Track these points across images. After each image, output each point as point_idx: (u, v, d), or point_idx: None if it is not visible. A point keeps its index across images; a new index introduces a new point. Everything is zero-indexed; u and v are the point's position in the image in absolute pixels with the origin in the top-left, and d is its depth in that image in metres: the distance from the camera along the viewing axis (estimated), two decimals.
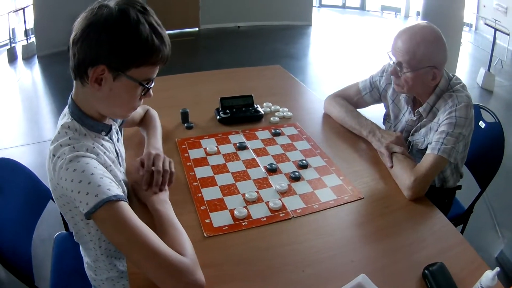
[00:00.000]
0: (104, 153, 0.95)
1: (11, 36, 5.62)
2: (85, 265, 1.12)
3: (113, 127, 1.04)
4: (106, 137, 1.00)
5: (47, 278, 1.28)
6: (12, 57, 5.28)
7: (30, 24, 5.58)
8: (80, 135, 0.92)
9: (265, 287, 0.86)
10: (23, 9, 5.54)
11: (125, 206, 0.83)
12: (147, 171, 1.08)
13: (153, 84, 0.94)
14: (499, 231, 2.27)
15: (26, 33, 5.63)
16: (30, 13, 5.48)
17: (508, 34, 5.05)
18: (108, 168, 0.92)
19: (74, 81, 0.92)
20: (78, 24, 0.85)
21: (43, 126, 3.61)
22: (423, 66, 1.23)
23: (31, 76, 4.90)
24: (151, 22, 0.86)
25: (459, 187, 1.51)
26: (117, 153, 1.06)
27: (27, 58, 5.29)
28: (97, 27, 0.82)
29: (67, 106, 0.96)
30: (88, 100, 0.92)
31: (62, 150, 0.86)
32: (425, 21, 1.28)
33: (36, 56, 5.33)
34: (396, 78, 1.30)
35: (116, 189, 0.84)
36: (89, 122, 0.94)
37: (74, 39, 0.85)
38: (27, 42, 5.52)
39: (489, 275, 0.79)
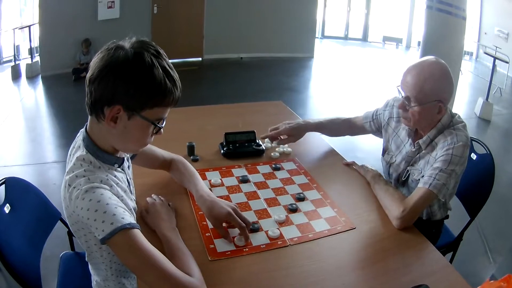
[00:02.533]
0: (117, 184, 1.00)
1: (16, 53, 5.58)
2: (94, 283, 1.17)
3: (125, 157, 1.10)
4: (119, 169, 1.05)
5: None
6: (16, 75, 5.25)
7: (35, 43, 5.53)
8: (95, 167, 0.96)
9: None
10: (29, 27, 5.50)
11: (138, 233, 0.88)
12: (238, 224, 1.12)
13: (164, 123, 0.99)
14: (490, 256, 2.30)
15: (31, 51, 5.58)
16: (35, 32, 5.43)
17: (507, 62, 4.97)
18: (120, 198, 0.96)
19: (90, 117, 0.96)
20: (94, 63, 0.90)
21: (45, 147, 3.60)
22: (430, 101, 1.28)
23: (35, 96, 4.87)
24: (164, 65, 0.91)
25: (447, 217, 1.56)
26: (128, 182, 1.10)
27: (31, 77, 5.27)
28: (114, 69, 0.87)
29: (80, 139, 1.00)
30: (103, 135, 0.97)
31: (78, 181, 0.90)
32: (433, 57, 1.33)
33: (40, 76, 5.31)
34: (403, 112, 1.36)
35: (129, 218, 0.88)
36: (104, 155, 0.98)
37: (91, 78, 0.89)
38: (32, 61, 5.49)
39: None
